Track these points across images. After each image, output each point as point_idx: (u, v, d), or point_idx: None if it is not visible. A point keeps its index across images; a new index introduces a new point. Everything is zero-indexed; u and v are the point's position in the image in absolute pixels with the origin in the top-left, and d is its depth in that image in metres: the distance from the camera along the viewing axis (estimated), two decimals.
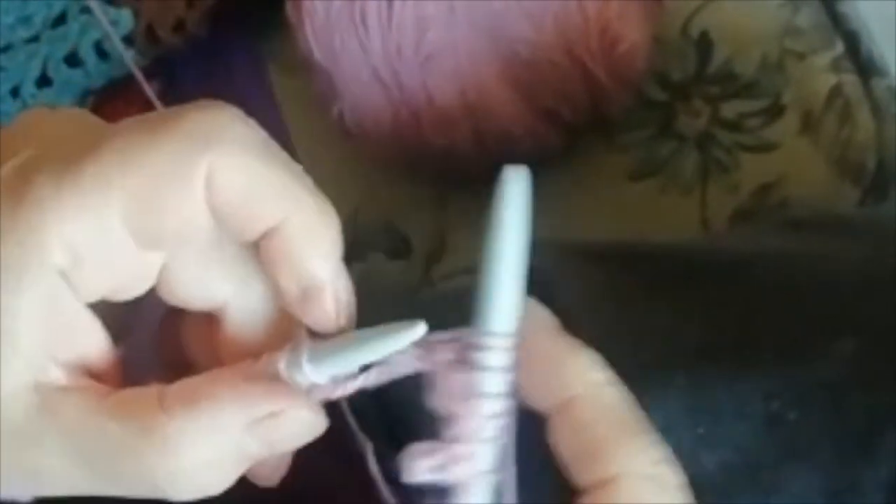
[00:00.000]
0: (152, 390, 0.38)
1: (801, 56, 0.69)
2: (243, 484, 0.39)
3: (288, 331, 0.40)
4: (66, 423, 0.37)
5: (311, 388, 0.38)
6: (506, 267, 0.37)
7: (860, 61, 0.69)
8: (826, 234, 0.53)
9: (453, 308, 0.53)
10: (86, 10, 0.67)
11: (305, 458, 0.41)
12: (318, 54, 0.64)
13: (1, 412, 0.36)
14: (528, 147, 0.65)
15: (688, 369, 0.45)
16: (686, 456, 0.44)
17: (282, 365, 0.38)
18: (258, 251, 0.39)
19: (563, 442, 0.38)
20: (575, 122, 0.65)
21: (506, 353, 0.37)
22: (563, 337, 0.39)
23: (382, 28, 0.62)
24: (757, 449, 0.44)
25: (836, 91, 0.69)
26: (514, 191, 0.37)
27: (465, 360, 0.37)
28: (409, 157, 0.65)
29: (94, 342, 0.39)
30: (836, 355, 0.45)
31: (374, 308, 0.46)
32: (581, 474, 0.37)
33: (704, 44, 0.70)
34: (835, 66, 0.69)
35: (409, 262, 0.69)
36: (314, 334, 0.39)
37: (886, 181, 0.66)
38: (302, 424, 0.38)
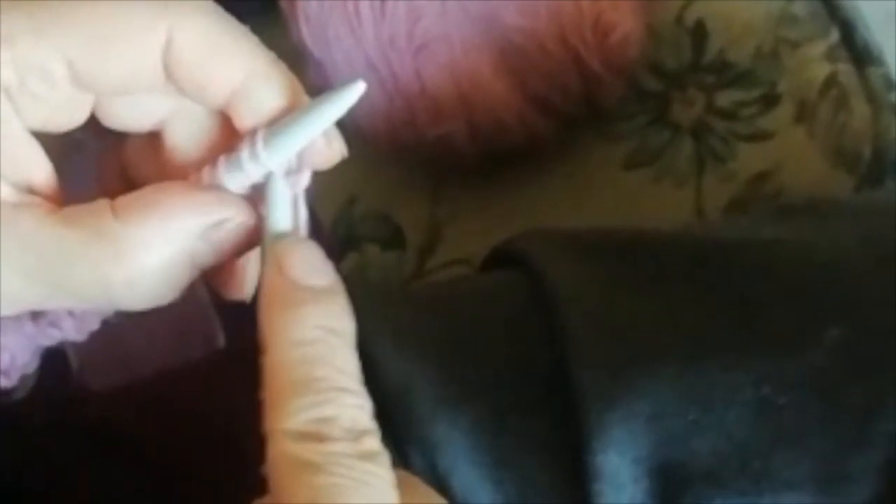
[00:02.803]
0: (103, 202, 0.38)
1: (796, 45, 0.69)
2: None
3: (229, 143, 0.40)
4: (22, 234, 0.37)
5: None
6: None
7: (855, 50, 0.69)
8: (819, 220, 0.53)
9: (442, 300, 0.53)
10: None
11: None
12: (311, 45, 0.64)
13: None
14: (521, 136, 0.65)
15: (679, 357, 0.45)
16: (678, 442, 0.45)
17: (221, 167, 0.38)
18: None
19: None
20: (568, 111, 0.65)
21: None
22: (305, 290, 0.38)
23: (375, 18, 0.62)
24: (748, 435, 0.44)
25: (831, 80, 0.68)
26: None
27: None
28: (404, 148, 0.65)
29: (39, 165, 0.39)
30: (827, 342, 0.45)
31: (368, 298, 0.46)
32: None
33: (699, 33, 0.70)
34: (830, 55, 0.69)
35: (403, 252, 0.68)
36: None
37: (882, 169, 0.66)
38: (247, 225, 0.39)
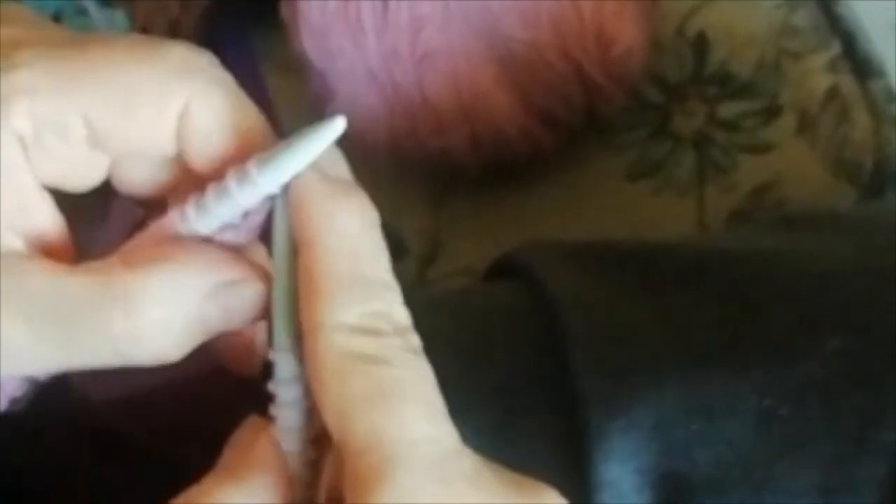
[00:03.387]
0: (114, 256, 0.38)
1: (797, 56, 0.69)
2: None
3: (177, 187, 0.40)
4: (29, 286, 0.37)
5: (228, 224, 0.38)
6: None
7: (857, 62, 0.69)
8: (819, 231, 0.53)
9: (446, 310, 0.53)
10: (81, 11, 0.67)
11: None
12: (312, 54, 0.64)
13: None
14: (523, 147, 0.65)
15: (682, 365, 0.45)
16: (680, 452, 0.44)
17: (190, 208, 0.38)
18: None
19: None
20: (570, 122, 0.65)
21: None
22: (341, 184, 0.37)
23: (377, 28, 0.62)
24: (750, 446, 0.44)
25: (832, 91, 0.69)
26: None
27: None
28: (405, 157, 0.65)
29: (49, 217, 0.39)
30: (829, 352, 0.45)
31: None
32: (302, 320, 0.37)
33: (701, 44, 0.70)
34: (831, 67, 0.69)
35: (404, 262, 0.68)
36: None
37: (883, 181, 0.66)
38: (260, 290, 0.38)
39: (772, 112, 0.69)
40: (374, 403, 0.34)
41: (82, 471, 0.52)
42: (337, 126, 0.37)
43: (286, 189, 0.37)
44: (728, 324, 0.46)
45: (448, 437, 0.35)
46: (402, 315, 0.36)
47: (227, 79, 0.39)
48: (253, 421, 0.39)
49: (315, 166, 0.37)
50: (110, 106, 0.37)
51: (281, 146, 0.37)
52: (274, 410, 0.38)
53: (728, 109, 0.69)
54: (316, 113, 0.66)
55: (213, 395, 0.52)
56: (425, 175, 0.68)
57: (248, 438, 0.38)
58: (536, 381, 0.47)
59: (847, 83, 0.69)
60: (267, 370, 0.39)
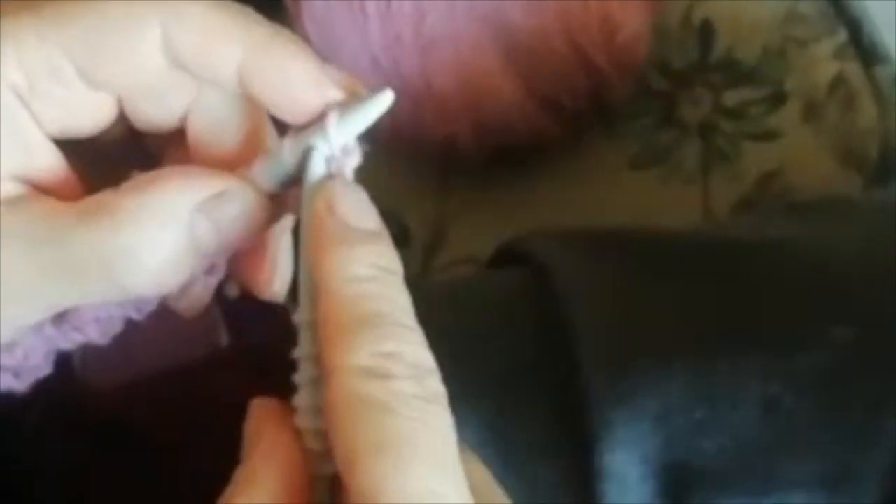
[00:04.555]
0: (109, 188, 0.38)
1: (803, 44, 0.69)
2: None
3: (255, 130, 0.40)
4: (30, 222, 0.37)
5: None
6: None
7: (863, 49, 0.69)
8: (828, 219, 0.53)
9: (447, 299, 0.53)
10: None
11: None
12: (316, 43, 0.63)
13: None
14: (527, 136, 0.65)
15: (688, 353, 0.45)
16: (684, 441, 0.44)
17: (258, 162, 0.38)
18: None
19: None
20: (575, 110, 0.65)
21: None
22: (340, 226, 0.37)
23: (381, 15, 0.61)
24: (754, 434, 0.44)
25: (838, 79, 0.68)
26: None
27: None
28: (410, 146, 0.65)
29: (57, 169, 0.39)
30: (835, 341, 0.45)
31: None
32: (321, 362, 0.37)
33: (706, 31, 0.70)
34: (837, 54, 0.69)
35: (408, 250, 0.68)
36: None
37: (889, 169, 0.66)
38: (248, 203, 0.38)
39: (777, 99, 0.69)
40: (379, 455, 0.34)
41: (85, 459, 0.52)
42: (386, 97, 0.37)
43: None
44: (733, 311, 0.46)
45: (454, 492, 0.35)
46: (421, 357, 0.36)
47: None
48: (265, 408, 0.39)
49: (338, 210, 0.37)
50: (87, 41, 0.37)
51: (351, 104, 0.38)
52: (296, 378, 0.38)
53: (733, 97, 0.69)
54: None
55: (218, 383, 0.52)
56: (430, 163, 0.68)
57: (265, 430, 0.38)
58: (538, 370, 0.47)
59: (853, 70, 0.68)
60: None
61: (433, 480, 0.34)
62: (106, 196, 0.37)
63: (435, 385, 0.35)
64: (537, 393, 0.47)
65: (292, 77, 0.38)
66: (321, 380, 0.36)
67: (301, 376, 0.38)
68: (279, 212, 0.40)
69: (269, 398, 0.39)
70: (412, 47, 0.62)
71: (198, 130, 0.41)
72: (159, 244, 0.37)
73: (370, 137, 0.38)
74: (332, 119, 0.38)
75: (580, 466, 0.45)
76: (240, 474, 0.37)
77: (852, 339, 0.45)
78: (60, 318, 0.41)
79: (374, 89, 0.38)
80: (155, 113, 0.40)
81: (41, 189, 0.38)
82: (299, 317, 0.38)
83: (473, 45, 0.62)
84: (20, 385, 0.42)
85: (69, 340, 0.41)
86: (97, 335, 0.41)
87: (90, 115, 0.39)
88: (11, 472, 0.51)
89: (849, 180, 0.67)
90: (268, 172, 0.39)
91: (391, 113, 0.65)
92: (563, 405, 0.46)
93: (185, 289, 0.40)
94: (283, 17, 0.65)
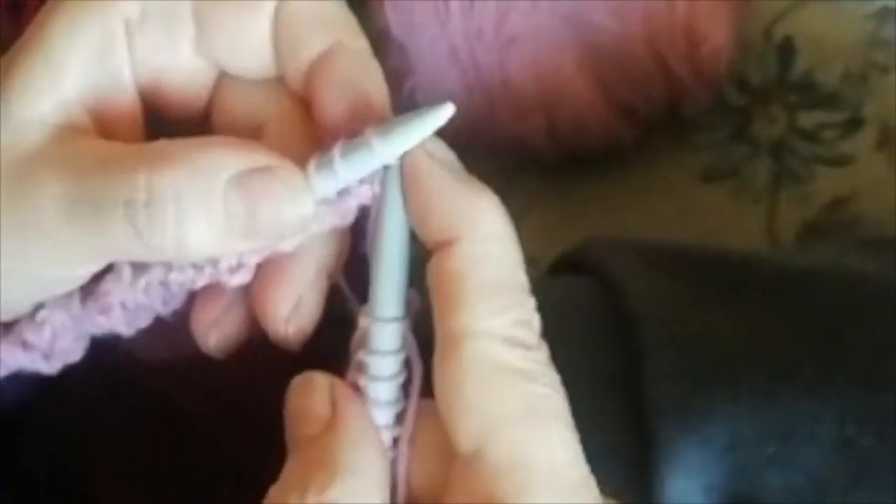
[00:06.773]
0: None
1: (884, 69, 0.68)
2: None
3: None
4: (74, 154, 0.36)
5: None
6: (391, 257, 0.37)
7: None
8: None
9: None
10: None
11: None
12: (395, 28, 0.63)
13: (11, 137, 0.36)
14: (600, 139, 0.64)
15: (760, 380, 0.44)
16: (751, 474, 0.43)
17: (312, 166, 0.37)
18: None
19: (432, 287, 0.36)
20: (650, 117, 0.64)
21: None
22: (466, 178, 0.37)
23: (464, 7, 0.61)
24: (826, 474, 0.43)
25: None
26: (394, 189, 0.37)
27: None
28: (480, 141, 0.64)
29: (130, 116, 0.38)
30: None
31: None
32: (438, 323, 0.35)
33: (787, 49, 0.69)
34: None
35: None
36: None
37: None
38: (287, 188, 0.36)
39: (854, 125, 0.68)
40: (523, 422, 0.34)
41: (120, 425, 0.51)
42: (446, 110, 0.37)
43: (400, 162, 0.37)
44: (810, 343, 0.45)
45: (583, 462, 0.35)
46: (539, 324, 0.35)
47: None
48: (335, 386, 0.37)
49: (434, 156, 0.36)
50: (214, 4, 0.37)
51: (398, 119, 0.37)
52: (362, 381, 0.37)
53: (809, 119, 0.68)
54: (392, 88, 0.64)
55: (260, 367, 0.51)
56: (496, 161, 0.67)
57: (344, 409, 0.37)
58: (607, 385, 0.46)
59: None
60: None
61: (569, 449, 0.34)
62: (146, 145, 0.37)
63: (547, 350, 0.35)
64: (602, 406, 0.46)
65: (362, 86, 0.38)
66: (436, 349, 0.35)
67: (376, 371, 0.37)
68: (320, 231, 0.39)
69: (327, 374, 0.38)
70: (492, 42, 0.61)
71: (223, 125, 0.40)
72: (189, 193, 0.35)
73: (441, 129, 0.38)
74: (376, 132, 0.37)
75: (640, 488, 0.44)
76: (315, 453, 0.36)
77: None
78: (87, 295, 0.40)
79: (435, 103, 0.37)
80: (242, 105, 0.40)
81: (106, 134, 0.38)
82: (375, 314, 0.37)
83: (553, 44, 0.61)
84: (49, 368, 0.42)
85: (95, 324, 0.41)
86: (123, 324, 0.41)
87: (184, 82, 0.39)
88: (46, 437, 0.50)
89: None
90: (321, 175, 0.37)
91: (463, 106, 0.65)
92: (626, 424, 0.45)
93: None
94: (363, 2, 0.64)
